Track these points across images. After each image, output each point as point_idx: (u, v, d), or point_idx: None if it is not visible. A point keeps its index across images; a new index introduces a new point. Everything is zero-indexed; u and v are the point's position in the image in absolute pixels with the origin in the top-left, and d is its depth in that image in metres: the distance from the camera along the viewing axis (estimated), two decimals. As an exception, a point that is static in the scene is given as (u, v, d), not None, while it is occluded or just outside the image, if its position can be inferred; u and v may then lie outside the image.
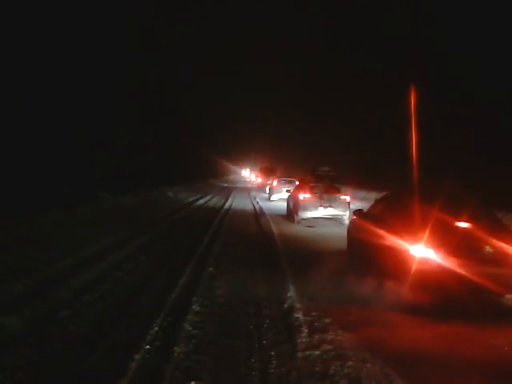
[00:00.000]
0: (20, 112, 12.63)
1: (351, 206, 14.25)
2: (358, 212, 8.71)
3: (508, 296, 5.94)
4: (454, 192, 7.66)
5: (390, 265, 6.24)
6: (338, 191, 14.64)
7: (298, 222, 14.25)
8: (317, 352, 4.15)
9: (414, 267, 5.62)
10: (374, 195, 18.26)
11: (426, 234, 5.71)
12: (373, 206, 8.49)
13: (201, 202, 23.32)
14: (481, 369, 4.00)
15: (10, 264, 6.74)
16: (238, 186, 47.77)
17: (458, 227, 6.02)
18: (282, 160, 46.12)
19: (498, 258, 5.63)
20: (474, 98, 16.41)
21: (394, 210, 7.27)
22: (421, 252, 5.65)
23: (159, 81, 28.15)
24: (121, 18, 20.31)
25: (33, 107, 13.37)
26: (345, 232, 9.72)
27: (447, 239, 5.73)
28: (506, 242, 5.66)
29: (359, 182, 22.48)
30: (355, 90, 28.77)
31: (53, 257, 7.52)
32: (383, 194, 10.01)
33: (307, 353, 4.14)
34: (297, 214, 14.25)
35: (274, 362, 3.97)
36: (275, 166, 38.63)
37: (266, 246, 10.10)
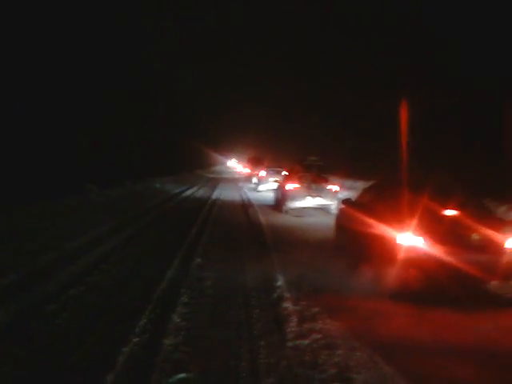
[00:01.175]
0: (4, 104, 12.36)
1: (338, 196, 14.28)
2: (346, 201, 8.73)
3: (493, 282, 6.00)
4: (442, 180, 7.68)
5: (378, 253, 6.26)
6: (326, 181, 14.64)
7: (286, 212, 14.24)
8: (306, 341, 4.15)
9: (402, 255, 5.65)
10: (360, 184, 18.32)
11: (414, 222, 5.74)
12: (361, 195, 8.52)
13: (188, 192, 23.21)
14: (468, 354, 4.05)
15: (-5, 258, 6.64)
16: (224, 176, 47.60)
17: (445, 215, 6.06)
18: (270, 150, 46.07)
19: (484, 245, 5.68)
20: (462, 87, 16.48)
21: (382, 198, 7.28)
22: (409, 240, 5.68)
23: (147, 72, 27.84)
24: (108, 13, 20.02)
25: (17, 99, 13.09)
26: (332, 221, 9.75)
27: (435, 227, 5.76)
28: (492, 229, 5.71)
29: (346, 171, 22.53)
30: (343, 79, 28.78)
31: (39, 249, 7.43)
32: (370, 183, 10.04)
33: (297, 342, 4.14)
34: (285, 204, 14.24)
35: (263, 352, 3.96)
36: (263, 156, 38.50)
37: (255, 236, 10.08)
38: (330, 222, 10.82)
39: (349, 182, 21.40)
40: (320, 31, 34.01)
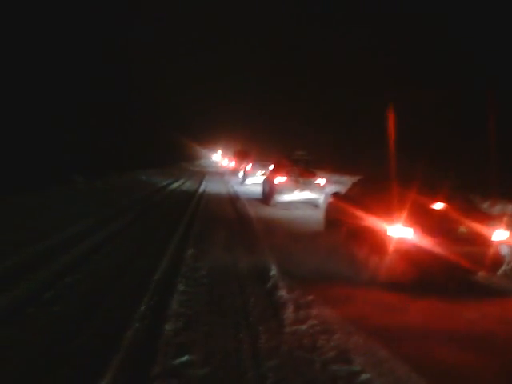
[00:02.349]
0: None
1: (325, 190, 14.49)
2: (335, 194, 8.91)
3: (481, 273, 6.24)
4: (429, 175, 7.91)
5: (368, 244, 6.45)
6: (314, 175, 14.83)
7: (274, 206, 14.39)
8: (304, 327, 4.29)
9: (392, 246, 5.83)
10: (347, 179, 18.60)
11: (404, 214, 5.91)
12: (350, 189, 8.69)
13: (174, 185, 23.15)
14: (457, 339, 4.24)
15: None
16: (210, 170, 47.51)
17: (433, 208, 6.27)
18: (256, 144, 46.09)
19: (471, 238, 5.90)
20: (450, 84, 16.79)
21: (371, 192, 7.47)
22: (398, 232, 5.86)
23: (133, 67, 27.65)
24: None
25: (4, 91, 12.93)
26: (319, 214, 9.94)
27: (424, 219, 5.95)
28: (479, 222, 5.93)
29: (333, 166, 22.78)
30: (330, 73, 28.99)
31: (29, 239, 7.42)
32: (356, 178, 10.23)
33: (294, 327, 4.27)
34: (273, 198, 14.39)
35: (262, 336, 4.08)
36: (249, 149, 38.49)
37: (244, 228, 10.17)
38: (316, 214, 11.00)
39: (335, 177, 21.65)
40: (307, 26, 34.16)
